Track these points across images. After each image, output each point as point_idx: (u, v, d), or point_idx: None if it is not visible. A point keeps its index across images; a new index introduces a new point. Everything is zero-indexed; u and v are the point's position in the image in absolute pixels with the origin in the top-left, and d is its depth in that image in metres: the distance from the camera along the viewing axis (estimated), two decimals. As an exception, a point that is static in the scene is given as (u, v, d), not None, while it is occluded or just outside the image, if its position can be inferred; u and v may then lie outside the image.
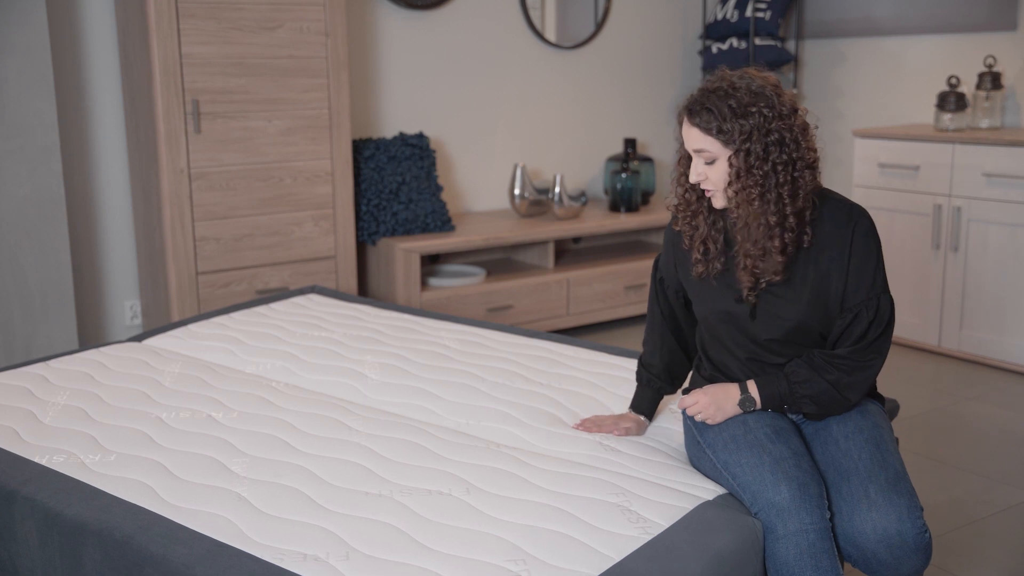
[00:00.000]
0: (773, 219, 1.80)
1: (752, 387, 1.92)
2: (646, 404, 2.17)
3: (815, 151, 1.83)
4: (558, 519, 1.72)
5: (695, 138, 1.83)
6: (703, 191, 1.91)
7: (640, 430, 2.15)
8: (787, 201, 1.80)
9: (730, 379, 1.99)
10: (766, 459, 1.79)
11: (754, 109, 1.78)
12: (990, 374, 3.97)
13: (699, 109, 1.82)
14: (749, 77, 1.82)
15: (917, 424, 3.42)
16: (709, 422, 1.93)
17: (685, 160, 1.93)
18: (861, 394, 1.90)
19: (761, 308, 1.89)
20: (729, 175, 1.82)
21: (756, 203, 1.80)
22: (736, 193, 1.82)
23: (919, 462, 3.09)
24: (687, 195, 1.94)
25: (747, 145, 1.78)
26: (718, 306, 1.93)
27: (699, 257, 1.93)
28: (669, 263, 2.07)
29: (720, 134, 1.80)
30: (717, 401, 1.92)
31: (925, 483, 2.93)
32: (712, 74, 1.87)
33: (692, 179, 1.86)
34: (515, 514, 1.74)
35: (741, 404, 1.92)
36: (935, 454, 3.18)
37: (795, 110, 1.82)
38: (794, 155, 1.80)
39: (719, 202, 1.87)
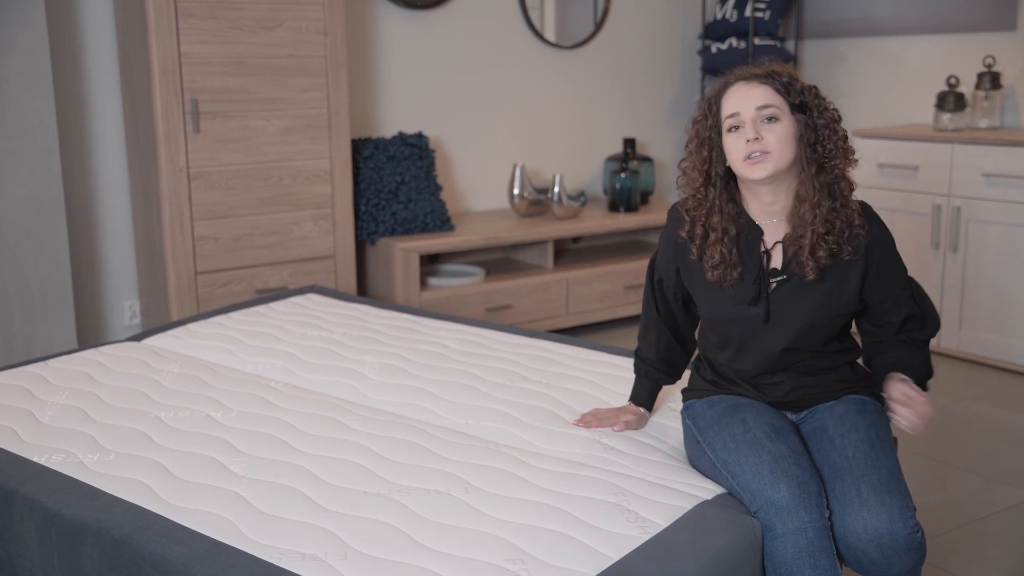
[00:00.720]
0: (841, 184, 1.85)
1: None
2: (645, 395, 2.17)
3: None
4: (557, 519, 1.72)
5: (761, 95, 1.83)
6: (719, 185, 1.90)
7: (640, 423, 2.14)
8: (842, 171, 1.86)
9: (731, 383, 1.99)
10: (765, 457, 1.79)
11: (809, 88, 1.87)
12: (989, 374, 3.97)
13: (763, 73, 1.85)
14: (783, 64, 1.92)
15: (916, 424, 3.42)
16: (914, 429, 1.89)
17: (705, 144, 1.91)
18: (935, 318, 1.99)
19: (772, 310, 1.90)
20: (799, 138, 1.84)
21: (828, 161, 1.84)
22: (813, 151, 1.84)
23: (918, 462, 3.09)
24: (705, 188, 1.91)
25: (818, 101, 1.86)
26: (729, 310, 1.92)
27: (718, 260, 1.90)
28: (668, 267, 2.03)
29: (790, 95, 1.84)
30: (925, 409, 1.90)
31: (924, 483, 2.93)
32: (749, 64, 1.93)
33: (749, 136, 1.82)
34: (514, 514, 1.74)
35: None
36: (934, 454, 3.17)
37: None
38: (841, 133, 1.87)
39: (766, 168, 1.83)
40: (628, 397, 2.22)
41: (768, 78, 1.85)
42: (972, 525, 2.71)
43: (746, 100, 1.84)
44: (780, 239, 1.91)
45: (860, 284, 1.90)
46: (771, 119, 1.83)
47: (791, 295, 1.89)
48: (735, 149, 1.85)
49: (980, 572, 2.48)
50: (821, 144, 1.85)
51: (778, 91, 1.84)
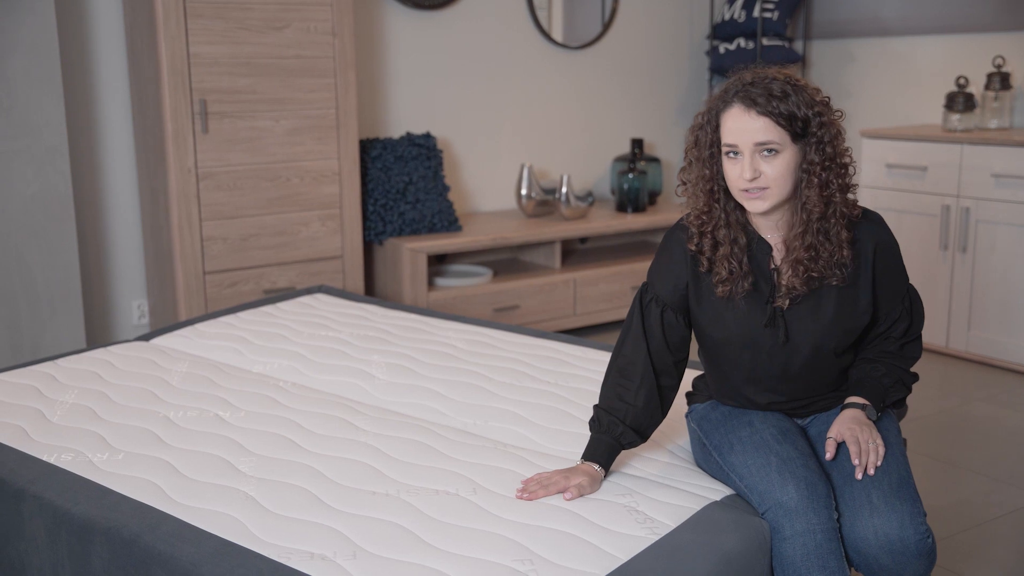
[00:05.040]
0: (832, 210, 1.78)
1: (860, 400, 1.89)
2: (603, 452, 1.87)
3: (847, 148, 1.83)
4: (565, 519, 1.72)
5: (761, 129, 1.72)
6: (723, 199, 1.82)
7: (593, 485, 1.83)
8: (838, 197, 1.78)
9: (736, 401, 1.95)
10: (773, 459, 1.78)
11: (817, 99, 1.77)
12: (998, 375, 3.95)
13: (764, 98, 1.72)
14: (789, 74, 1.79)
15: (925, 425, 3.41)
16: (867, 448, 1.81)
17: (706, 163, 1.82)
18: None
19: (789, 329, 1.84)
20: (798, 166, 1.76)
21: (817, 195, 1.76)
22: (807, 185, 1.75)
23: (927, 463, 3.09)
24: (709, 205, 1.83)
25: (820, 132, 1.75)
26: (740, 330, 1.85)
27: (725, 276, 1.82)
28: (665, 287, 1.90)
29: (791, 123, 1.73)
30: (861, 423, 1.84)
31: (933, 485, 2.93)
32: (746, 69, 1.81)
33: (747, 175, 1.73)
34: (522, 514, 1.74)
35: (869, 413, 1.87)
36: (943, 455, 3.17)
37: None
38: (846, 147, 1.79)
39: (765, 203, 1.76)
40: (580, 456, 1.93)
41: (768, 107, 1.72)
42: (980, 527, 2.70)
43: (744, 132, 1.74)
44: (784, 256, 1.84)
45: (871, 290, 1.86)
46: (770, 152, 1.74)
47: (804, 310, 1.84)
48: (733, 177, 1.78)
49: (987, 574, 2.47)
50: (809, 181, 1.76)
51: (778, 123, 1.72)
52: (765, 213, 1.81)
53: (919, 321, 1.96)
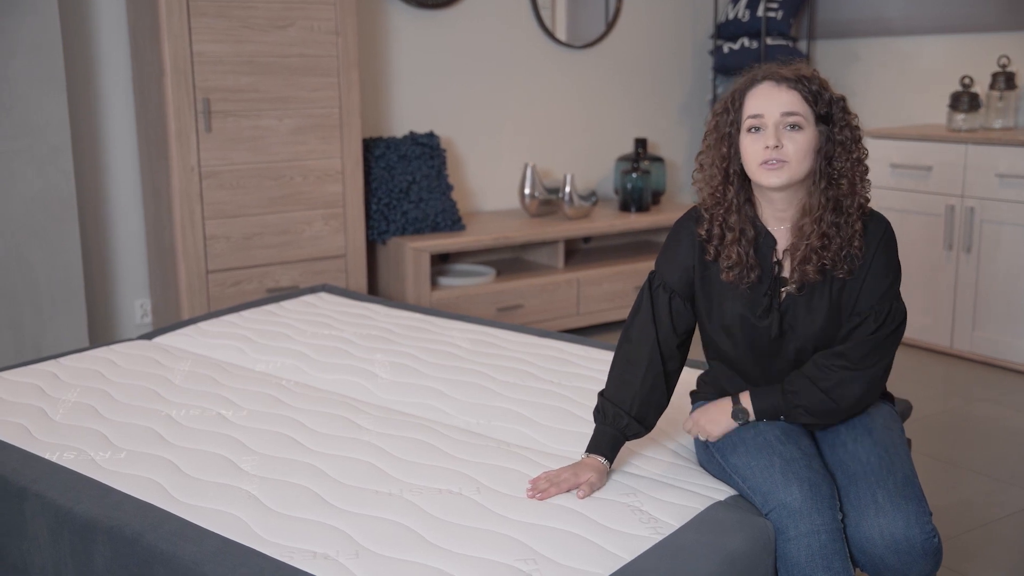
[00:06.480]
0: (848, 201, 1.79)
1: (745, 398, 1.87)
2: (607, 444, 1.88)
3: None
4: (569, 519, 1.71)
5: (789, 101, 1.77)
6: (736, 183, 1.84)
7: (602, 479, 1.85)
8: (850, 189, 1.80)
9: (734, 388, 1.95)
10: (776, 460, 1.78)
11: (835, 95, 1.82)
12: (1002, 376, 3.95)
13: (793, 77, 1.78)
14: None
15: (929, 425, 3.41)
16: (710, 439, 1.90)
17: (724, 140, 1.84)
18: (859, 400, 1.83)
19: (784, 322, 1.85)
20: (818, 150, 1.78)
21: (853, 167, 1.79)
22: (844, 159, 1.78)
23: (930, 464, 3.08)
24: (723, 186, 1.84)
25: (843, 116, 1.80)
26: (735, 320, 1.86)
27: (735, 260, 1.83)
28: (673, 274, 1.91)
29: (818, 101, 1.78)
30: (710, 416, 1.89)
31: (936, 485, 2.92)
32: (772, 62, 1.87)
33: (771, 142, 1.75)
34: (526, 513, 1.73)
35: (734, 416, 1.87)
36: (946, 456, 3.16)
37: None
38: (859, 153, 1.82)
39: (781, 176, 1.76)
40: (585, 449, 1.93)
41: (798, 83, 1.78)
42: (983, 527, 2.69)
43: (772, 103, 1.77)
44: (788, 247, 1.85)
45: (857, 295, 1.84)
46: (794, 127, 1.77)
47: (799, 305, 1.84)
48: (752, 151, 1.79)
49: (991, 575, 2.46)
50: (837, 160, 1.79)
51: (806, 99, 1.77)
52: (779, 191, 1.81)
53: (885, 331, 1.82)
